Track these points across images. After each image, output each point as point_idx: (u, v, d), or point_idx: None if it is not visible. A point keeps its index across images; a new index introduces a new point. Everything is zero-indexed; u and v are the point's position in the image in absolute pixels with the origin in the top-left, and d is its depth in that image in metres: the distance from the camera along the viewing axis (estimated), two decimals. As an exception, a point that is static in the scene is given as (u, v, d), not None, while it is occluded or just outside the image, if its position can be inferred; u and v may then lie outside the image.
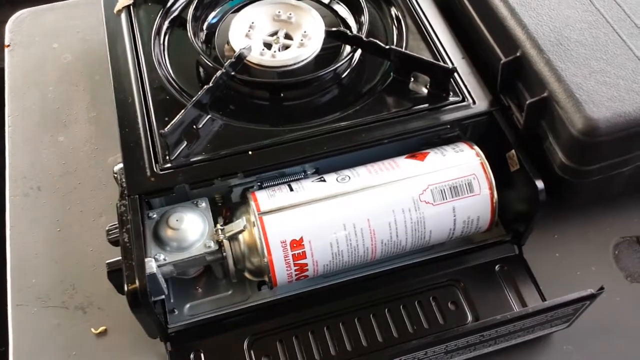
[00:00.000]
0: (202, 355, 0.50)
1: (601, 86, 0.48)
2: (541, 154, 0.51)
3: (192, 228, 0.49)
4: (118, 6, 0.62)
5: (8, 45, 0.75)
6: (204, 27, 0.61)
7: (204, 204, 0.51)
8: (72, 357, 0.52)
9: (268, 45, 0.58)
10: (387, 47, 0.55)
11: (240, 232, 0.48)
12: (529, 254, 0.54)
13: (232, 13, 0.62)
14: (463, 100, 0.54)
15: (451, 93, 0.54)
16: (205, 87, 0.53)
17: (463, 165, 0.51)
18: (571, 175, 0.49)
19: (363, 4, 0.60)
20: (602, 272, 0.55)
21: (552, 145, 0.50)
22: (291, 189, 0.50)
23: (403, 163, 0.51)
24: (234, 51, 0.56)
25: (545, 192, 0.48)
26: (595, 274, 0.55)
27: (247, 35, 0.58)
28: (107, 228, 0.50)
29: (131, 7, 0.62)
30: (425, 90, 0.55)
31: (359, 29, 0.59)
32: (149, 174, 0.50)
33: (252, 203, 0.49)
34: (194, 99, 0.52)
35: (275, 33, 0.59)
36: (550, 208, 0.50)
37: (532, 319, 0.46)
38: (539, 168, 0.49)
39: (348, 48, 0.58)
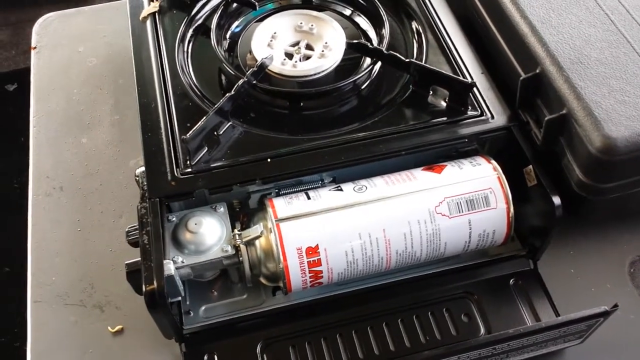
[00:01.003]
0: (215, 357, 0.50)
1: (620, 105, 0.48)
2: (558, 170, 0.51)
3: (210, 232, 0.49)
4: (144, 13, 0.63)
5: (34, 48, 0.77)
6: (227, 35, 0.62)
7: (222, 209, 0.51)
8: (89, 355, 0.53)
9: (289, 55, 0.59)
10: (407, 60, 0.56)
11: (257, 237, 0.49)
12: (544, 269, 0.55)
13: (255, 23, 0.63)
14: (482, 115, 0.54)
15: (470, 107, 0.55)
16: (228, 95, 0.54)
17: (480, 179, 0.51)
18: (588, 192, 0.49)
19: (384, 16, 0.61)
20: (616, 290, 0.55)
21: (570, 162, 0.50)
22: (308, 197, 0.50)
23: (420, 175, 0.52)
24: (256, 60, 0.57)
25: (562, 208, 0.48)
26: (609, 291, 0.55)
27: (269, 45, 0.59)
28: (127, 229, 0.50)
29: (156, 14, 0.63)
30: (444, 104, 0.56)
31: (380, 42, 0.60)
32: (169, 178, 0.51)
33: (270, 210, 0.49)
34: (216, 106, 0.53)
35: (296, 43, 0.60)
36: (566, 224, 0.50)
37: (545, 334, 0.46)
38: (556, 184, 0.50)
39: (368, 60, 0.59)
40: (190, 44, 0.62)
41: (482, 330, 0.51)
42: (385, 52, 0.57)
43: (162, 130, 0.54)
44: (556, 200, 0.48)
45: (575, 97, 0.49)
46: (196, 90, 0.57)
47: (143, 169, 0.52)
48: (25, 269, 0.58)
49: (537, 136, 0.52)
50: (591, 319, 0.46)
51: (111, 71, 0.73)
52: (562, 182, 0.51)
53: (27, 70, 0.74)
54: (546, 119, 0.50)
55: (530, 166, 0.51)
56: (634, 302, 0.55)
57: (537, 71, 0.52)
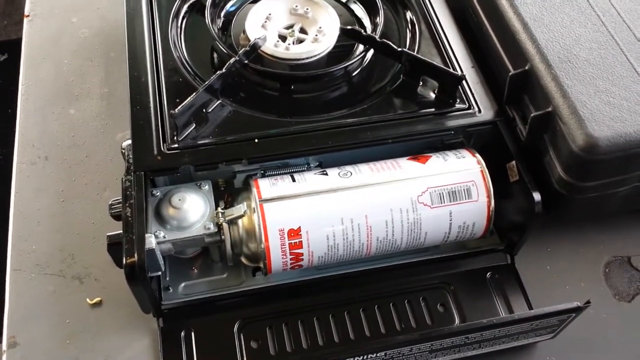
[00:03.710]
0: (192, 334, 0.51)
1: (605, 106, 0.49)
2: (541, 167, 0.52)
3: (193, 209, 0.49)
4: (139, -14, 0.62)
5: (28, 16, 0.76)
6: (222, 14, 0.62)
7: (207, 187, 0.51)
8: (65, 325, 0.53)
9: (283, 38, 0.59)
10: (399, 49, 0.56)
11: (240, 216, 0.49)
12: (520, 265, 0.55)
13: (250, 3, 0.63)
14: (469, 108, 0.55)
15: (458, 100, 0.55)
16: (218, 72, 0.54)
17: (463, 171, 0.52)
18: (568, 190, 0.50)
19: (379, 5, 0.61)
20: (590, 289, 0.56)
21: (552, 159, 0.51)
22: (293, 180, 0.51)
23: (405, 164, 0.52)
24: (249, 40, 0.57)
25: (542, 205, 0.49)
26: (583, 289, 0.56)
27: (263, 26, 0.59)
28: (110, 202, 0.50)
29: (152, -12, 0.63)
30: (432, 95, 0.56)
31: (374, 30, 0.60)
32: (155, 152, 0.51)
33: (254, 190, 0.50)
34: (206, 83, 0.53)
35: (291, 26, 0.60)
36: (545, 222, 0.51)
37: (517, 326, 0.47)
38: (538, 181, 0.50)
39: (361, 47, 0.59)
40: (184, 20, 0.61)
41: (457, 321, 0.52)
42: (378, 40, 0.57)
43: (151, 104, 0.53)
44: (536, 196, 0.49)
45: (562, 95, 0.49)
46: (187, 67, 0.57)
47: (130, 142, 0.52)
48: (6, 237, 0.58)
49: (522, 132, 0.53)
50: (563, 313, 0.47)
51: (103, 44, 0.72)
52: (544, 180, 0.52)
53: (18, 42, 0.74)
54: (531, 115, 0.50)
55: (514, 162, 0.52)
56: (607, 301, 0.56)
57: (526, 68, 0.53)
